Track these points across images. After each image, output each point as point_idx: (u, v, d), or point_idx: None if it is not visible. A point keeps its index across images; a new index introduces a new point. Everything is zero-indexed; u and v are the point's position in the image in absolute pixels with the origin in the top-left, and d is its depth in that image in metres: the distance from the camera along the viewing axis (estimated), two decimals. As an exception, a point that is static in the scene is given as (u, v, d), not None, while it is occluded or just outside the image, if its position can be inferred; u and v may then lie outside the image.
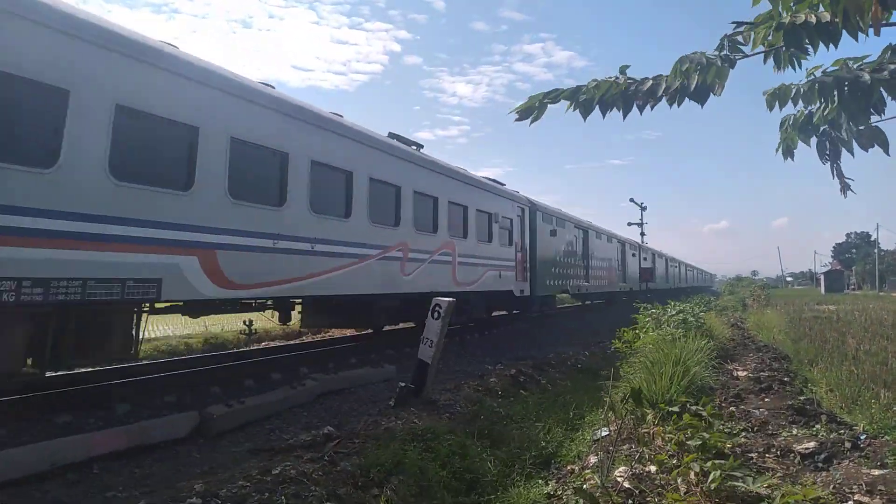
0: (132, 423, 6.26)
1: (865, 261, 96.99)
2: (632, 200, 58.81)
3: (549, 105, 3.72)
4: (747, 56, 3.36)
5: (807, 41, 2.89)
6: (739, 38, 3.34)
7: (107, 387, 7.60)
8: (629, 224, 57.99)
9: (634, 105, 3.57)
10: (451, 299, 7.09)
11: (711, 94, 3.40)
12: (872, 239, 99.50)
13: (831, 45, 2.90)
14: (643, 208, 58.54)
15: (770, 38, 3.03)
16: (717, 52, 3.34)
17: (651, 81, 3.51)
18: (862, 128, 3.79)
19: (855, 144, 3.94)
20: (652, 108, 3.55)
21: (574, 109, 3.65)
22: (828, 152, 4.11)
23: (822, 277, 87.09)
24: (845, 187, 4.28)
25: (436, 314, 7.00)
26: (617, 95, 3.54)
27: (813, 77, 3.49)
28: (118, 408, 6.98)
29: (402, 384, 6.99)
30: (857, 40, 2.71)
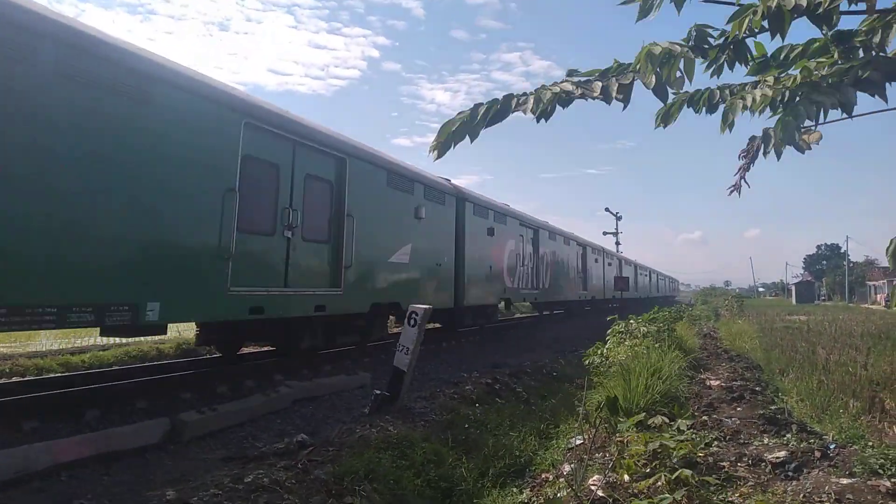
0: (102, 429, 6.15)
1: (835, 272, 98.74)
2: (607, 210, 59.44)
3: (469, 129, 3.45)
4: (713, 47, 3.26)
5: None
6: (709, 29, 3.24)
7: (76, 392, 7.46)
8: (604, 233, 58.57)
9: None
10: (427, 306, 7.07)
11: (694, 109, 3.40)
12: (842, 251, 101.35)
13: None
14: (618, 218, 59.14)
15: (749, 23, 2.94)
16: (684, 42, 3.23)
17: (601, 84, 3.28)
18: (802, 129, 3.76)
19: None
20: (609, 102, 3.42)
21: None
22: (746, 156, 4.07)
23: (793, 288, 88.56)
24: (737, 188, 4.21)
25: (412, 321, 6.98)
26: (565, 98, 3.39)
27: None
28: (87, 414, 6.86)
29: (377, 392, 6.96)
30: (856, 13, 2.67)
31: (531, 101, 3.28)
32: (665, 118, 3.60)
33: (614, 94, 3.24)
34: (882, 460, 4.53)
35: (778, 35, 2.88)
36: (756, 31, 2.99)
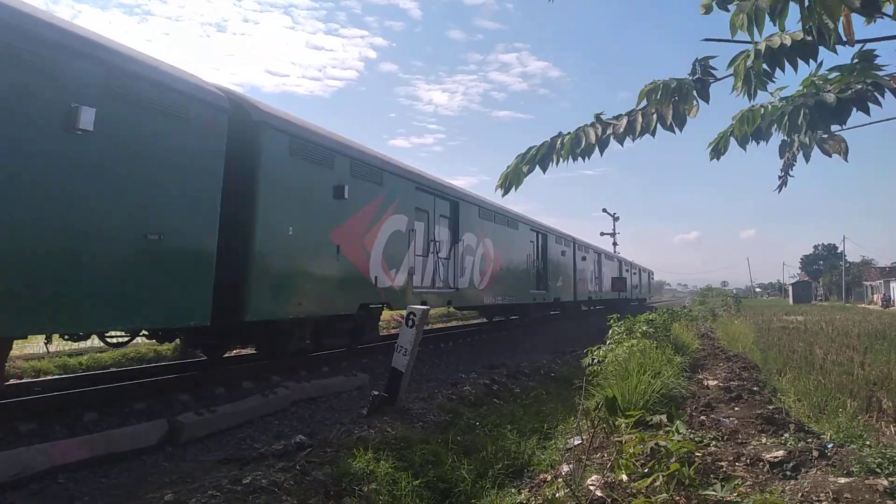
0: (99, 431, 6.14)
1: (832, 272, 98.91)
2: (604, 211, 59.49)
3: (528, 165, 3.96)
4: (719, 80, 3.44)
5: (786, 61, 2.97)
6: (711, 62, 3.43)
7: (73, 394, 7.44)
8: (602, 234, 58.63)
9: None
10: (425, 307, 7.07)
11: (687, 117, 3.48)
12: (839, 251, 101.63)
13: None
14: (615, 218, 59.20)
15: (750, 63, 3.08)
16: (690, 76, 3.42)
17: (626, 119, 3.61)
18: (826, 136, 3.91)
19: (817, 150, 4.05)
20: (633, 140, 3.63)
21: (557, 162, 3.85)
22: (788, 156, 4.28)
23: (790, 288, 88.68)
24: (783, 184, 4.57)
25: (410, 322, 6.97)
26: (593, 145, 3.68)
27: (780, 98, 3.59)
28: (85, 416, 6.85)
29: (376, 393, 6.95)
30: (836, 53, 2.78)
31: (568, 145, 3.78)
32: (716, 151, 3.97)
33: (638, 130, 3.56)
34: (879, 459, 4.55)
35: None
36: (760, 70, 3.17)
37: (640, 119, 3.54)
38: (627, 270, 48.66)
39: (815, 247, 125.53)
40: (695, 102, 3.41)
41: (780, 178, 4.62)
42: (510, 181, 3.98)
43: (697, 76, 3.43)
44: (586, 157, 3.73)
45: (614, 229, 58.61)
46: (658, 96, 3.36)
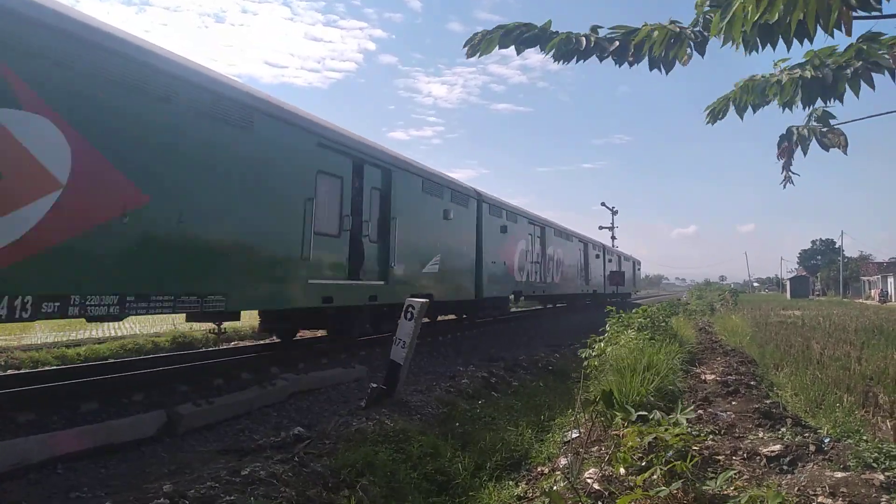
0: (98, 421, 6.14)
1: (830, 267, 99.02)
2: (603, 204, 59.48)
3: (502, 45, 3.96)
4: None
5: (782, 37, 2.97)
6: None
7: (72, 385, 7.45)
8: (600, 228, 58.60)
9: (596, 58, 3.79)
10: (424, 300, 7.07)
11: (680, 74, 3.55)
12: (837, 246, 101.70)
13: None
14: (614, 212, 59.19)
15: (745, 30, 3.07)
16: (691, 27, 3.45)
17: (618, 42, 3.69)
18: (825, 129, 3.91)
19: (815, 144, 4.06)
20: (618, 65, 3.69)
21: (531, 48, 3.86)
22: (784, 147, 4.32)
23: (788, 283, 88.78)
24: (787, 180, 4.62)
25: (409, 315, 6.98)
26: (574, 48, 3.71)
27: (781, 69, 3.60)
28: (83, 406, 6.85)
29: (374, 385, 6.96)
30: (832, 36, 2.78)
31: (558, 42, 3.78)
32: (713, 115, 3.96)
33: (629, 57, 3.68)
34: (876, 454, 4.56)
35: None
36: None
37: (631, 49, 3.61)
38: (598, 256, 37.49)
39: (813, 242, 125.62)
40: (689, 51, 3.46)
41: (782, 173, 4.65)
42: (479, 46, 3.98)
43: (698, 28, 3.47)
44: (567, 62, 3.83)
45: (612, 223, 58.62)
46: (654, 38, 3.40)
